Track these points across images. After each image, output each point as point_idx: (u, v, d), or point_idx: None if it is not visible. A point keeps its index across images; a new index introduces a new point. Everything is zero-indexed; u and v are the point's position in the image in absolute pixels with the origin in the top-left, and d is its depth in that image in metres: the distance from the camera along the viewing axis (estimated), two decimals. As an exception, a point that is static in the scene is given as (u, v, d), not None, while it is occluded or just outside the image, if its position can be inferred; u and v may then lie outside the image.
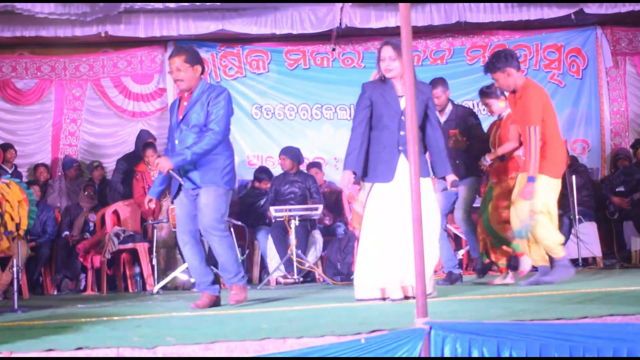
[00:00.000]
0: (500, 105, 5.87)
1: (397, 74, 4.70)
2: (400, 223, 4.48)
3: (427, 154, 4.98)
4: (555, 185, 5.33)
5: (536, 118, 5.22)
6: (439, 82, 6.25)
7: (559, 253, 5.33)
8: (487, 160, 5.84)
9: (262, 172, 8.71)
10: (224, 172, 4.84)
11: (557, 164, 5.34)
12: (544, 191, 5.24)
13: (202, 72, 4.91)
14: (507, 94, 5.67)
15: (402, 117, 4.63)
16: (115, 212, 8.07)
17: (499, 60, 5.34)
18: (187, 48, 5.10)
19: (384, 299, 4.61)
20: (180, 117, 4.84)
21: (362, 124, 4.77)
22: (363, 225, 4.75)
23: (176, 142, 4.86)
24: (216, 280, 5.00)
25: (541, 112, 5.25)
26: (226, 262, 4.82)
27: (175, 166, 4.73)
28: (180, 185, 4.86)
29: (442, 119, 6.18)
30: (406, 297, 4.56)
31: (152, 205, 5.10)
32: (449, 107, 6.27)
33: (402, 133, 4.63)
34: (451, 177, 4.83)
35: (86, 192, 8.47)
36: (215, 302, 4.87)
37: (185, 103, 4.86)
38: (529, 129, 5.20)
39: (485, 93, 5.93)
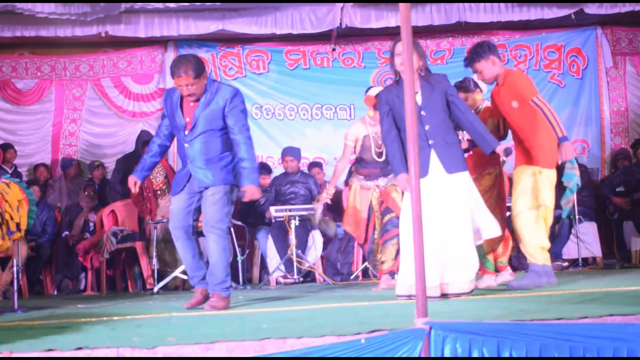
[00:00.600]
0: (476, 98, 5.68)
1: (416, 68, 4.69)
2: (436, 219, 4.49)
3: (464, 143, 4.96)
4: (550, 175, 5.12)
5: (531, 91, 5.06)
6: None
7: (537, 259, 5.07)
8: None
9: (261, 168, 8.70)
10: (232, 170, 4.83)
11: (548, 153, 5.12)
12: (534, 183, 5.05)
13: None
14: (483, 86, 5.57)
15: (422, 112, 4.65)
16: (113, 212, 8.06)
17: (482, 49, 5.25)
18: (190, 60, 4.77)
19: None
20: (189, 119, 4.76)
21: (390, 132, 4.78)
22: (401, 222, 4.76)
23: (186, 145, 4.78)
24: None
25: (532, 85, 5.13)
26: (216, 264, 4.77)
27: (256, 182, 4.76)
28: (185, 184, 4.83)
29: None
30: (443, 295, 4.54)
31: (136, 190, 5.08)
32: None
33: (427, 127, 4.64)
34: (501, 148, 4.73)
35: (86, 192, 8.47)
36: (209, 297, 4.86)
37: (191, 104, 4.78)
38: (533, 102, 5.01)
39: (460, 87, 5.68)
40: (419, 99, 4.68)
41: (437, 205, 4.49)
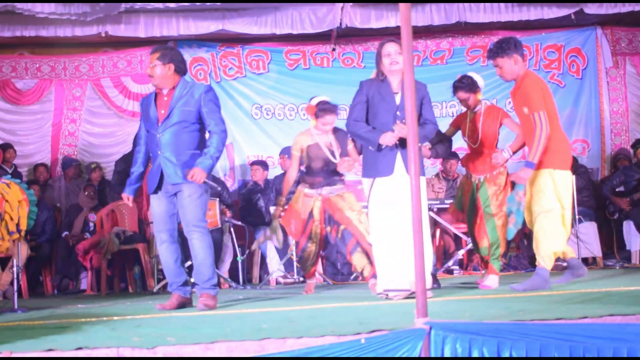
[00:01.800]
0: (477, 98, 5.66)
1: (402, 69, 4.63)
2: (401, 217, 4.61)
3: (425, 151, 5.16)
4: (563, 176, 5.07)
5: (539, 104, 5.00)
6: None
7: (547, 264, 5.02)
8: (506, 155, 5.47)
9: (257, 163, 8.69)
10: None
11: (562, 154, 5.10)
12: (549, 186, 5.01)
13: (182, 73, 4.96)
14: (481, 84, 5.62)
15: (398, 112, 4.79)
16: (114, 212, 8.07)
17: (508, 46, 5.18)
18: (167, 48, 5.17)
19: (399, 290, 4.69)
20: (163, 112, 4.85)
21: (357, 121, 4.93)
22: (370, 220, 4.87)
23: (158, 136, 4.84)
24: (187, 282, 5.00)
25: (542, 99, 5.06)
26: (202, 263, 4.81)
27: (208, 171, 4.78)
28: (160, 182, 4.86)
29: None
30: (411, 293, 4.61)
31: (130, 203, 5.19)
32: None
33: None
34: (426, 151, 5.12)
35: (86, 192, 8.47)
36: (185, 304, 4.88)
37: (165, 99, 4.89)
38: (533, 115, 4.98)
39: (459, 87, 5.64)
40: (398, 98, 4.84)
41: (402, 203, 4.59)
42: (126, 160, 8.66)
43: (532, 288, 4.93)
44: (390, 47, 4.85)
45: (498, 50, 5.20)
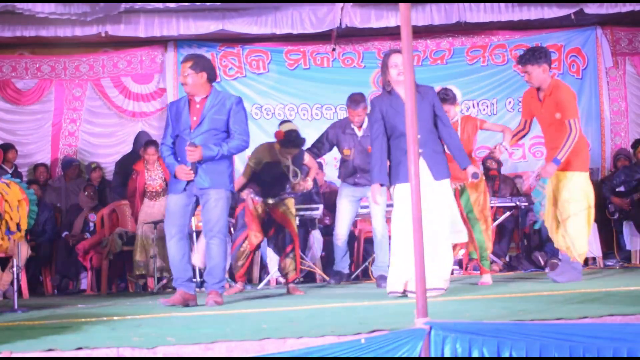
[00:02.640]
0: (456, 110, 5.84)
1: None
2: (425, 223, 4.66)
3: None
4: (588, 177, 5.69)
5: (574, 111, 5.54)
6: (360, 102, 6.54)
7: (581, 259, 5.62)
8: (503, 148, 5.74)
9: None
10: (230, 176, 5.09)
11: (587, 158, 5.79)
12: (585, 187, 5.59)
13: (213, 80, 5.13)
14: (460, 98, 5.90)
15: None
16: (115, 212, 8.07)
17: (540, 55, 5.60)
18: (198, 56, 5.35)
19: (405, 292, 4.82)
20: (195, 118, 5.02)
21: (378, 138, 5.05)
22: (392, 224, 5.02)
23: (188, 141, 4.98)
24: (191, 278, 5.13)
25: (576, 107, 5.63)
26: (216, 267, 5.00)
27: (204, 158, 4.92)
28: (186, 185, 4.98)
29: (360, 133, 6.56)
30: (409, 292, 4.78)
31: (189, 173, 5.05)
32: (366, 122, 6.49)
33: (418, 136, 4.73)
34: (471, 169, 5.09)
35: (86, 192, 8.47)
36: (189, 300, 4.96)
37: (198, 106, 5.04)
38: (569, 122, 5.47)
39: (446, 100, 5.74)
40: None
41: (426, 209, 4.62)
42: (126, 161, 8.67)
43: (570, 280, 5.44)
44: (397, 58, 4.97)
45: (531, 58, 5.61)
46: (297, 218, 7.48)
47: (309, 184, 6.18)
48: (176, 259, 5.00)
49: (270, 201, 6.08)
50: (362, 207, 7.14)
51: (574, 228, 5.51)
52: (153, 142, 8.15)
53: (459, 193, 5.74)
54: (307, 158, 6.34)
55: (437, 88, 5.79)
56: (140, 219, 7.76)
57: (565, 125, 5.49)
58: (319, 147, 6.85)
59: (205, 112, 5.00)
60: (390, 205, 5.53)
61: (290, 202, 6.18)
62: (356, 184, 6.69)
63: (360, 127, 6.60)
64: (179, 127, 5.06)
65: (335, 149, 6.92)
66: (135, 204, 7.95)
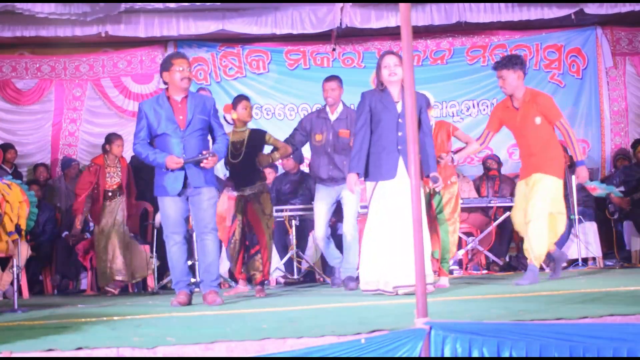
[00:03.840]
0: (431, 115, 5.81)
1: (400, 80, 5.07)
2: (401, 219, 4.82)
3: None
4: (561, 185, 5.69)
5: (559, 112, 5.73)
6: (335, 77, 6.53)
7: (538, 262, 5.64)
8: (450, 159, 5.81)
9: None
10: (215, 174, 5.30)
11: (559, 167, 5.70)
12: (558, 192, 5.61)
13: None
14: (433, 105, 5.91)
15: (400, 120, 5.03)
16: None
17: (516, 61, 5.70)
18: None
19: (383, 291, 4.90)
20: (182, 117, 5.09)
21: (362, 129, 5.15)
22: (367, 221, 5.07)
23: (181, 141, 5.06)
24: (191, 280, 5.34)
25: (559, 109, 5.79)
26: (212, 263, 5.14)
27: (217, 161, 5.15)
28: (184, 184, 5.05)
29: (333, 117, 6.42)
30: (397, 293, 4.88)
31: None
32: (341, 107, 6.44)
33: (399, 134, 5.00)
34: (433, 175, 5.16)
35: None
36: (191, 300, 5.16)
37: (180, 105, 5.12)
38: (561, 122, 5.66)
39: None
40: (399, 107, 5.09)
41: (403, 206, 4.76)
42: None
43: (530, 282, 5.46)
44: (389, 59, 5.10)
45: (507, 63, 5.69)
46: (298, 218, 7.51)
47: (275, 157, 6.23)
48: (181, 264, 5.16)
49: (247, 192, 5.99)
50: (362, 207, 7.13)
51: (533, 231, 5.51)
52: (119, 136, 7.74)
53: (433, 194, 5.77)
54: (270, 139, 6.25)
55: None
56: (103, 222, 7.43)
57: (548, 126, 5.64)
58: (293, 135, 6.63)
59: (192, 111, 5.09)
60: (364, 207, 5.61)
61: (266, 201, 6.02)
62: (331, 179, 6.35)
63: (332, 106, 6.40)
64: (163, 126, 5.06)
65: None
66: (97, 200, 7.45)
